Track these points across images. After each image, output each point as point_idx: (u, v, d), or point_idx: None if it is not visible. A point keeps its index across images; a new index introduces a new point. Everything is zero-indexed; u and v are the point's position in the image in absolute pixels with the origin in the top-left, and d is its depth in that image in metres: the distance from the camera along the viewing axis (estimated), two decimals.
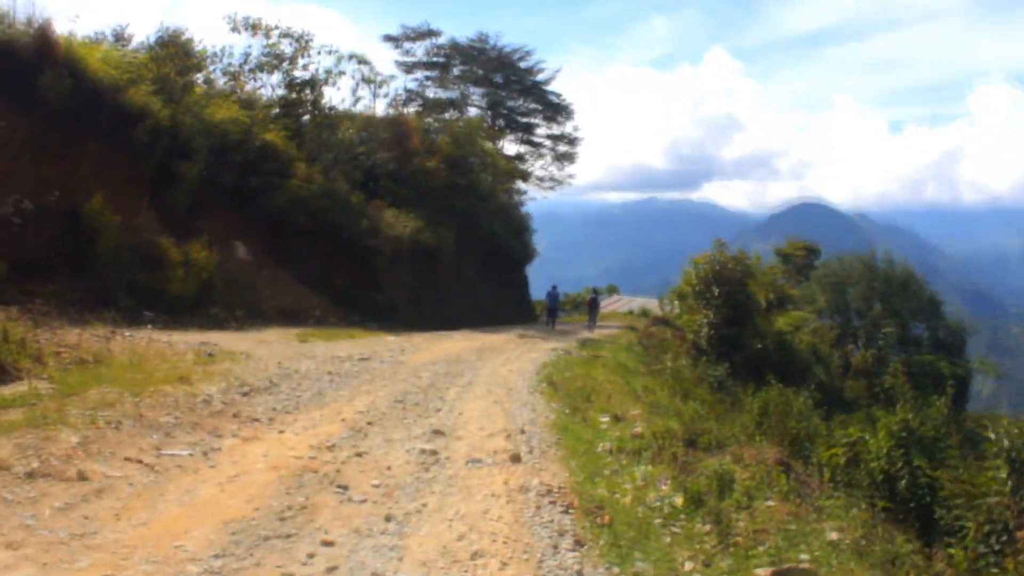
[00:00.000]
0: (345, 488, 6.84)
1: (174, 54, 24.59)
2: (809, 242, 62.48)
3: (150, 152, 21.32)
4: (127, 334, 15.23)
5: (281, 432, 8.75)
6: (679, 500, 7.19)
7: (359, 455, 7.99)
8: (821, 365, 33.89)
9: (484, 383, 14.32)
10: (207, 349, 14.44)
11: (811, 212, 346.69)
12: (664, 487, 7.75)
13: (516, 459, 8.35)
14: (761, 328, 22.71)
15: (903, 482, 10.03)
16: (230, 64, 29.41)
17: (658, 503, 7.21)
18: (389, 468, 7.65)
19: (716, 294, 20.98)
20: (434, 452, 8.40)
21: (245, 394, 10.66)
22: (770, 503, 7.12)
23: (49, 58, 19.12)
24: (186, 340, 15.43)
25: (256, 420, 9.23)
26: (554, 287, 36.03)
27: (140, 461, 7.01)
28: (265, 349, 15.77)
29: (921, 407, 11.33)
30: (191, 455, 7.44)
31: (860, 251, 53.21)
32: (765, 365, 20.95)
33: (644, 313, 54.14)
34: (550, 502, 6.93)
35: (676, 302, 43.25)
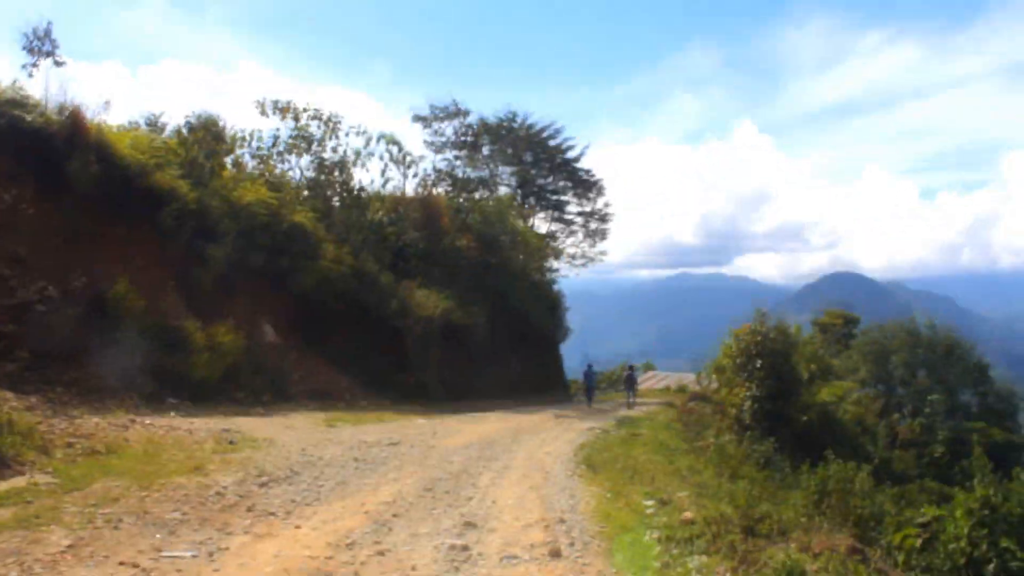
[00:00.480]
0: None
1: (203, 138, 24.62)
2: (847, 311, 61.28)
3: (177, 235, 21.09)
4: (147, 421, 14.63)
5: (297, 527, 7.97)
6: None
7: (381, 553, 7.15)
8: (867, 436, 32.50)
9: (519, 467, 13.46)
10: (229, 436, 13.77)
11: (845, 281, 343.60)
12: None
13: (556, 554, 7.47)
14: (805, 400, 21.65)
15: (990, 566, 8.94)
16: (259, 147, 29.55)
17: None
18: (414, 568, 6.80)
19: (759, 366, 20.02)
20: (465, 547, 7.55)
21: (263, 484, 9.92)
22: None
23: (79, 144, 19.17)
24: (208, 426, 14.78)
25: (272, 514, 8.46)
26: (589, 366, 36.00)
27: (136, 565, 6.26)
28: (290, 434, 15.06)
29: (1000, 480, 10.27)
30: (194, 556, 6.68)
31: (900, 319, 52.01)
32: (812, 439, 19.90)
33: (681, 389, 53.00)
34: None
35: (714, 376, 42.21)
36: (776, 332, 20.77)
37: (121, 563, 6.29)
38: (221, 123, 25.67)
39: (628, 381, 36.12)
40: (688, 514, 9.35)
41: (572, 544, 7.97)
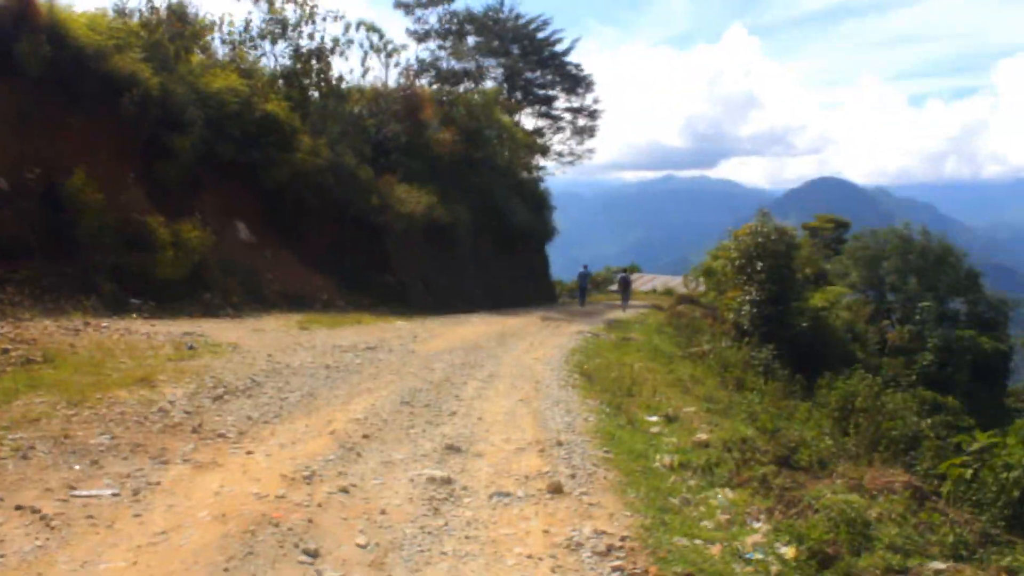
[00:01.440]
0: (314, 555, 4.75)
1: (168, 20, 22.59)
2: (837, 216, 60.15)
3: (139, 124, 19.35)
4: (103, 325, 13.33)
5: (249, 453, 6.73)
6: (789, 552, 5.13)
7: (345, 490, 5.91)
8: (857, 343, 31.83)
9: (507, 375, 12.29)
10: (189, 340, 12.49)
11: (830, 187, 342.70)
12: (759, 526, 5.69)
13: (556, 489, 6.28)
14: (801, 305, 20.57)
15: None
16: (230, 32, 27.40)
17: (761, 557, 5.13)
18: (384, 512, 5.57)
19: (759, 269, 18.79)
20: (447, 480, 6.34)
21: (217, 398, 8.67)
22: (937, 566, 4.98)
23: (29, 24, 17.31)
24: (170, 330, 13.49)
25: (221, 436, 7.22)
26: (585, 267, 36.86)
27: (36, 511, 5.00)
28: (258, 339, 13.79)
29: (991, 389, 9.16)
30: (114, 496, 5.42)
31: (893, 225, 51.07)
32: (805, 346, 18.95)
33: (668, 291, 52.41)
34: (614, 570, 4.86)
35: (702, 279, 41.31)
36: (777, 233, 19.49)
37: (18, 507, 5.03)
38: (187, 3, 23.48)
39: (623, 284, 35.87)
40: (703, 435, 8.21)
41: (574, 476, 6.78)
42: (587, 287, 36.20)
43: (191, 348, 11.94)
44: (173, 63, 21.72)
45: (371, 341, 14.47)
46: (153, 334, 12.86)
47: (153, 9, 22.39)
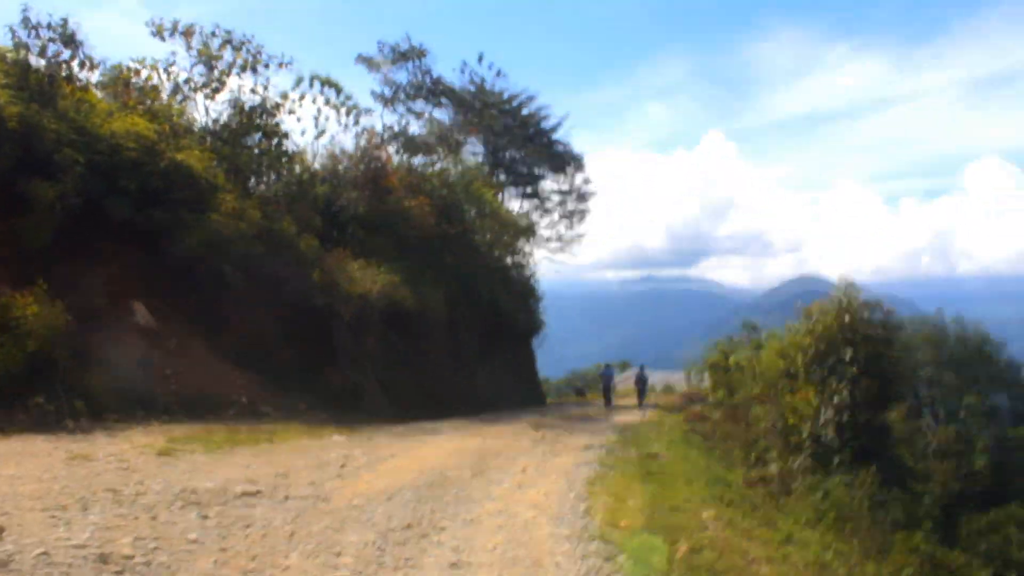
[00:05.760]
0: None
1: (46, 43, 17.55)
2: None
3: None
4: None
5: None
6: None
7: None
8: (904, 446, 26.44)
9: (488, 559, 6.60)
10: None
11: (809, 286, 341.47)
12: None
13: None
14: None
15: None
16: (148, 78, 22.36)
17: None
18: None
19: (848, 359, 13.31)
20: None
21: None
22: None
23: None
24: None
25: None
26: (608, 366, 34.41)
27: None
28: (45, 482, 7.92)
29: None
30: None
31: (922, 314, 46.73)
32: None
33: (668, 389, 47.86)
34: None
35: (707, 375, 36.12)
36: (869, 310, 14.08)
37: None
38: (73, 26, 18.29)
39: (639, 382, 32.21)
40: None
41: None
42: (612, 386, 32.11)
43: None
44: (49, 95, 16.61)
45: (263, 479, 8.71)
46: None
47: (30, 26, 17.27)
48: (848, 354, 13.45)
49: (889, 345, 14.14)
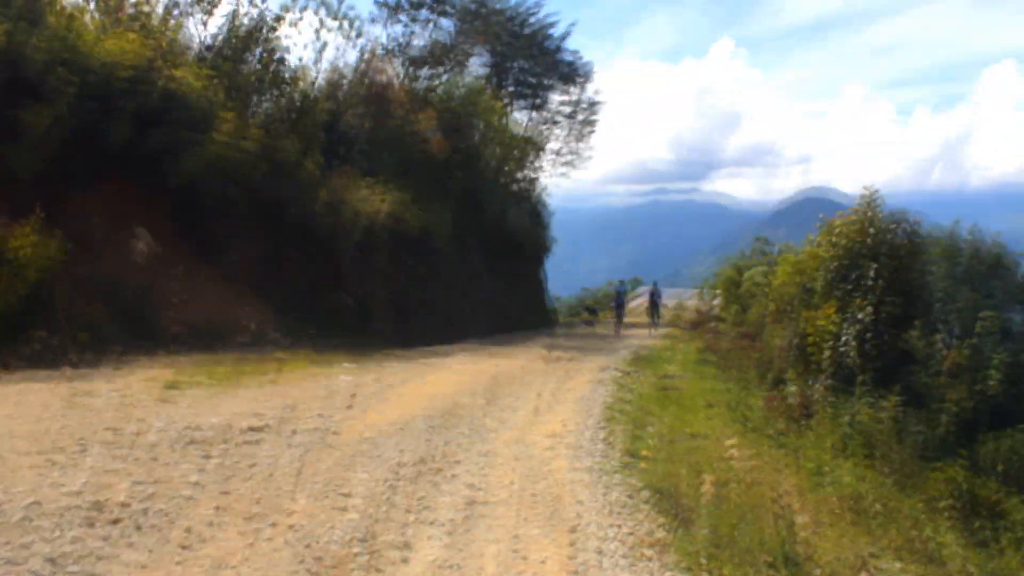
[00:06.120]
0: None
1: None
2: None
3: None
4: None
5: None
6: None
7: None
8: (919, 366, 26.03)
9: (505, 495, 6.30)
10: None
11: (819, 199, 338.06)
12: None
13: None
14: None
15: None
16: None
17: None
18: None
19: (872, 275, 12.81)
20: None
21: None
22: None
23: None
24: None
25: None
26: (621, 282, 33.61)
27: None
28: (44, 420, 7.62)
29: None
30: None
31: (936, 224, 45.74)
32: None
33: (680, 307, 47.15)
34: None
35: (718, 293, 35.59)
36: (894, 223, 13.51)
37: None
38: None
39: (652, 300, 31.48)
40: None
41: None
42: (624, 303, 31.07)
43: None
44: (38, 13, 15.85)
45: (270, 412, 8.41)
46: None
47: None
48: (872, 269, 12.96)
49: (915, 260, 13.63)
